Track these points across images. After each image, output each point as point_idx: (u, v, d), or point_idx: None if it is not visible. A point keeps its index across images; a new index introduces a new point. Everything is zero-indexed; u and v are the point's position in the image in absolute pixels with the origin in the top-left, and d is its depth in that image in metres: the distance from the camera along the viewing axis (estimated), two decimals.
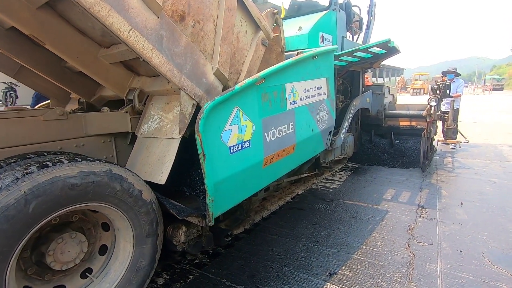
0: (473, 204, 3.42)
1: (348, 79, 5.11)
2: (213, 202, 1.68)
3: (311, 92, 2.67)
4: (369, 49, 3.30)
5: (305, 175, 3.57)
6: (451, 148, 6.21)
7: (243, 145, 1.88)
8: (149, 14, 1.71)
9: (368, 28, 5.02)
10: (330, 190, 4.08)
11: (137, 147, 2.22)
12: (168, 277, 2.31)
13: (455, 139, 5.81)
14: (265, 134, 2.09)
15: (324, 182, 4.41)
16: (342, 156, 4.86)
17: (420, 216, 3.15)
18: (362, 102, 5.12)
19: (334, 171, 4.96)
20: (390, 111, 5.71)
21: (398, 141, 5.43)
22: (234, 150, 1.81)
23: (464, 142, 4.86)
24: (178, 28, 1.92)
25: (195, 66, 2.07)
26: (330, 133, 3.19)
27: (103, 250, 1.79)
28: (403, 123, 5.72)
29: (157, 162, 2.00)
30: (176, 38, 1.90)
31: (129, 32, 1.55)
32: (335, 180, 4.50)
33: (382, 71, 53.60)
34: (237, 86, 1.77)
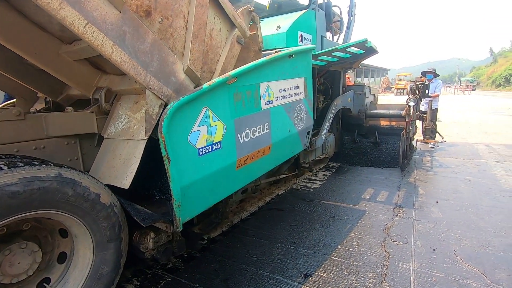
0: (448, 202, 3.49)
1: (329, 79, 5.13)
2: (180, 207, 1.61)
3: (288, 92, 2.63)
4: (347, 49, 3.30)
5: (284, 175, 3.54)
6: (430, 147, 6.35)
7: (213, 146, 1.81)
8: (109, 8, 1.61)
9: (348, 28, 5.05)
10: (311, 190, 4.07)
11: (103, 149, 2.12)
12: (139, 283, 2.22)
13: (434, 138, 5.94)
14: (238, 135, 2.03)
15: (305, 182, 4.40)
16: (323, 156, 4.87)
17: (397, 215, 3.18)
18: (343, 102, 5.14)
19: (315, 170, 4.96)
20: (371, 111, 5.78)
21: (379, 140, 5.49)
22: (203, 152, 1.74)
23: (441, 142, 4.99)
24: (143, 24, 1.83)
25: (163, 64, 1.99)
26: (308, 133, 3.17)
27: (62, 258, 1.69)
28: (383, 122, 5.80)
29: (122, 165, 1.90)
30: (141, 35, 1.82)
31: (84, 27, 1.46)
32: (316, 180, 4.50)
33: (367, 71, 54.59)
34: (206, 85, 1.70)
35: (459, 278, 2.14)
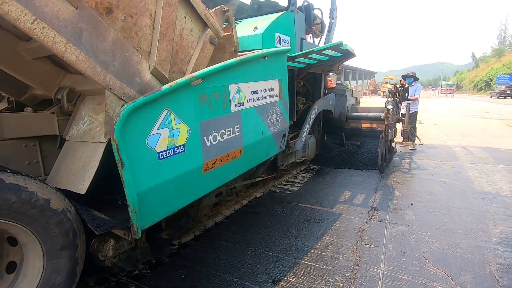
0: (422, 204, 3.54)
1: (310, 81, 5.14)
2: (137, 214, 1.54)
3: (261, 94, 2.60)
4: (323, 51, 3.30)
5: (260, 178, 3.51)
6: (410, 149, 6.46)
7: (175, 150, 1.75)
8: (63, 4, 1.53)
9: (329, 31, 5.08)
10: (289, 192, 4.06)
11: (64, 151, 2.03)
12: None
13: (413, 141, 6.05)
14: (205, 138, 1.98)
15: (284, 185, 4.38)
16: (304, 158, 4.87)
17: (371, 218, 3.20)
18: (324, 104, 5.17)
19: (296, 173, 4.95)
20: (353, 113, 5.83)
21: (359, 142, 5.55)
22: (164, 156, 1.68)
23: (419, 144, 5.07)
24: (104, 21, 1.76)
25: (127, 64, 1.92)
26: (284, 135, 3.15)
27: (12, 267, 1.60)
28: (364, 125, 5.87)
29: (81, 169, 1.82)
30: (100, 33, 1.74)
31: (32, 23, 1.38)
32: (296, 182, 4.49)
33: (354, 74, 55.45)
34: (166, 86, 1.65)
35: (426, 281, 2.16)
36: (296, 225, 3.07)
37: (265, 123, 2.70)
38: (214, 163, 2.12)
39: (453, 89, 41.66)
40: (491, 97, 35.50)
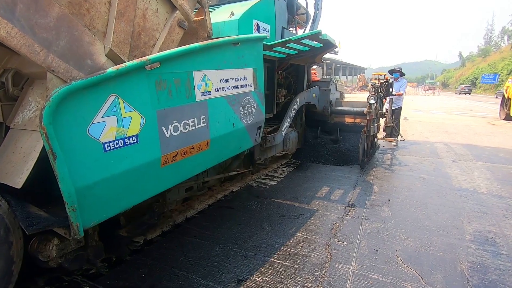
0: (400, 200, 3.49)
1: (293, 73, 5.00)
2: (76, 211, 1.38)
3: (232, 83, 2.44)
4: (302, 41, 3.17)
5: (235, 172, 3.37)
6: (393, 145, 6.45)
7: (126, 141, 1.59)
8: None
9: (314, 21, 4.93)
10: (267, 187, 3.95)
11: (7, 140, 1.83)
12: None
13: (396, 136, 6.03)
14: (163, 128, 1.82)
15: (263, 179, 4.27)
16: (284, 152, 4.77)
17: (347, 214, 3.13)
18: (307, 97, 5.05)
19: (276, 166, 4.85)
20: (336, 108, 5.74)
21: (341, 137, 5.48)
22: (112, 147, 1.52)
23: (400, 140, 5.03)
24: None
25: (75, 44, 1.72)
26: (259, 128, 3.01)
27: None
28: (348, 120, 5.80)
29: (21, 160, 1.64)
30: (41, 7, 1.54)
31: None
32: (275, 177, 4.38)
33: (345, 69, 55.64)
34: (111, 69, 1.47)
35: (396, 280, 2.09)
36: (270, 221, 2.97)
37: (236, 115, 2.55)
38: (175, 156, 1.96)
39: (434, 87, 44.16)
40: (455, 93, 43.54)
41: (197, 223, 2.94)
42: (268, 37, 3.67)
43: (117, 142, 1.55)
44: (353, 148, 5.24)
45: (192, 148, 2.11)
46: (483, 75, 51.81)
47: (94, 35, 1.92)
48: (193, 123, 2.06)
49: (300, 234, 2.72)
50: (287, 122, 4.37)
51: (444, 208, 3.30)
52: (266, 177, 4.34)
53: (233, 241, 2.60)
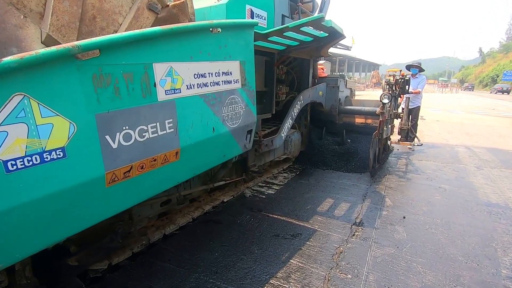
0: (417, 218, 2.97)
1: (297, 68, 4.50)
2: None
3: (211, 79, 1.99)
4: (301, 29, 2.67)
5: (222, 182, 2.93)
6: (409, 148, 5.86)
7: (45, 156, 1.17)
8: None
9: (321, 10, 4.40)
10: (263, 197, 3.49)
11: None
12: None
13: (412, 140, 5.43)
14: (107, 137, 1.39)
15: (260, 186, 3.82)
16: (285, 156, 4.29)
17: (353, 235, 2.64)
18: (313, 95, 4.54)
19: (276, 172, 4.38)
20: (346, 107, 5.20)
21: (349, 140, 4.95)
22: (20, 166, 1.10)
23: (417, 145, 4.41)
24: None
25: None
26: (250, 132, 2.56)
27: None
28: (358, 120, 5.25)
29: None
30: None
31: None
32: (274, 184, 3.92)
33: (358, 66, 54.22)
34: (10, 58, 1.05)
35: None
36: (260, 242, 2.52)
37: (218, 117, 2.10)
38: (129, 171, 1.53)
39: (447, 84, 42.84)
40: (490, 93, 40.47)
41: (175, 242, 2.52)
42: (265, 26, 3.19)
43: (29, 158, 1.13)
44: (363, 151, 4.70)
45: (154, 161, 1.67)
46: (505, 72, 49.46)
47: (25, 16, 1.50)
48: (155, 129, 1.63)
49: (294, 261, 2.26)
50: (288, 123, 3.89)
51: (471, 229, 2.76)
52: (264, 184, 3.89)
53: (213, 268, 2.17)
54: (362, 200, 3.40)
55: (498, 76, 53.97)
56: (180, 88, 1.76)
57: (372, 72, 48.27)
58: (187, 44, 1.78)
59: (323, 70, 5.26)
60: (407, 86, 5.12)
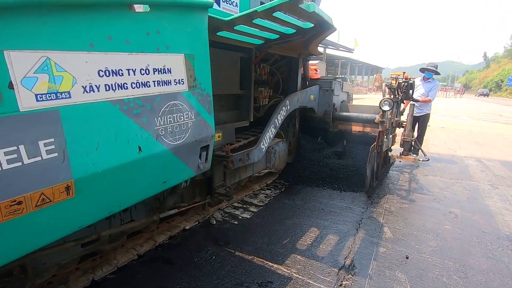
0: (423, 258, 2.34)
1: (284, 68, 3.89)
2: None
3: (133, 78, 1.40)
4: (278, 16, 2.07)
5: (173, 211, 2.31)
6: (413, 163, 5.22)
7: None
8: None
9: (313, 0, 3.79)
10: (236, 223, 2.87)
11: None
12: None
13: (416, 154, 4.78)
14: None
15: (235, 207, 3.20)
16: (268, 170, 3.68)
17: (340, 285, 2.01)
18: (302, 99, 3.93)
19: (258, 188, 3.77)
20: (341, 113, 4.59)
21: (342, 150, 4.33)
22: None
23: (423, 160, 3.75)
24: None
25: None
26: (206, 148, 1.95)
27: None
28: (356, 128, 4.63)
29: None
30: None
31: None
32: (253, 204, 3.30)
33: (361, 69, 53.60)
34: None
35: None
36: None
37: (147, 131, 1.49)
38: None
39: (446, 89, 42.59)
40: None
41: None
42: (232, 12, 2.58)
43: None
44: (360, 165, 4.07)
45: (18, 204, 1.07)
46: (510, 77, 48.75)
47: None
48: (14, 156, 1.02)
49: None
50: (270, 132, 3.28)
51: (492, 276, 2.13)
52: (240, 205, 3.27)
53: None
54: (355, 229, 2.78)
55: (502, 81, 53.20)
56: (69, 91, 1.16)
57: (375, 75, 47.59)
58: (81, 24, 1.17)
59: (316, 71, 4.64)
60: (410, 91, 4.50)
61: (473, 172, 4.76)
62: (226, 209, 3.16)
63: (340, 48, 32.76)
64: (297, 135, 4.28)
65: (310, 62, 4.61)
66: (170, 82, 1.60)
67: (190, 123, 1.76)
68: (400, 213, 3.16)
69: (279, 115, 3.42)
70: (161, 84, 1.54)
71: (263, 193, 3.65)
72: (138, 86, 1.43)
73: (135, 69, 1.40)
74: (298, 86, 3.90)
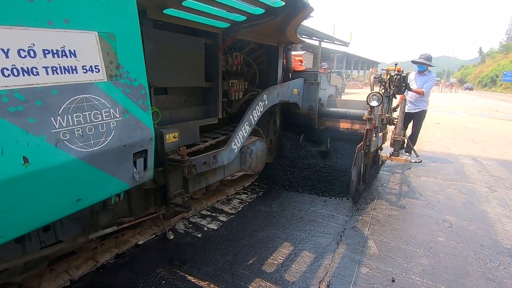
0: (412, 281, 1.99)
1: (263, 58, 3.49)
2: None
3: (6, 61, 1.00)
4: None
5: (109, 230, 1.89)
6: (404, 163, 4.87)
7: None
8: None
9: None
10: (199, 236, 2.49)
11: None
12: None
13: (408, 153, 4.42)
14: None
15: (202, 216, 2.82)
16: (243, 173, 3.30)
17: None
18: (283, 93, 3.54)
19: (233, 192, 3.39)
20: (328, 109, 4.20)
21: (330, 148, 3.97)
22: None
23: (415, 161, 3.39)
24: None
25: None
26: (144, 153, 1.56)
27: None
28: (344, 125, 4.26)
29: None
30: None
31: None
32: (223, 211, 2.93)
33: (357, 63, 53.16)
34: None
35: None
36: None
37: (38, 136, 1.10)
38: None
39: (451, 84, 42.88)
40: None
41: None
42: None
43: None
44: (347, 165, 3.71)
45: None
46: (505, 72, 48.71)
47: None
48: None
49: None
50: (244, 130, 2.90)
51: None
52: (209, 212, 2.89)
53: None
54: (336, 243, 2.42)
55: (497, 77, 53.17)
56: None
57: (371, 69, 47.17)
58: None
59: (301, 62, 4.24)
60: (403, 85, 4.12)
61: (469, 172, 4.43)
62: (192, 218, 2.79)
63: (336, 42, 32.33)
64: (278, 133, 3.89)
65: (295, 52, 4.21)
66: (76, 70, 1.19)
67: (113, 124, 1.36)
68: (388, 222, 2.81)
69: (254, 111, 3.03)
70: (58, 71, 1.14)
71: (238, 198, 3.28)
72: (15, 74, 1.02)
73: (8, 50, 1.00)
74: (279, 79, 3.51)
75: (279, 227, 2.65)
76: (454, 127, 8.76)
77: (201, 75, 2.55)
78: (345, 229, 2.65)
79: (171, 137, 2.12)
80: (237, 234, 2.52)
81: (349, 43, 33.80)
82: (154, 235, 2.44)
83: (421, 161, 3.23)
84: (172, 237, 2.41)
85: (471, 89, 50.56)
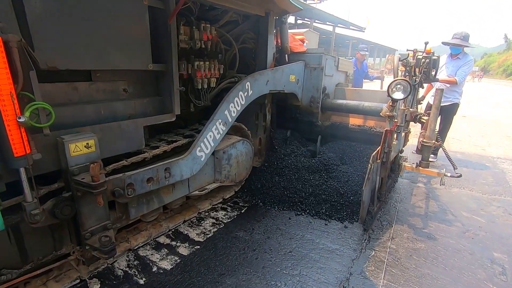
0: None
1: (249, 35, 2.66)
2: None
3: None
4: None
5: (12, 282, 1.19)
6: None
7: None
8: None
9: None
10: (140, 283, 1.77)
11: None
12: None
13: (435, 155, 3.53)
14: None
15: (158, 246, 2.10)
16: (220, 185, 2.56)
17: None
18: (276, 81, 2.72)
19: (209, 207, 2.65)
20: (334, 101, 3.36)
21: (319, 149, 3.15)
22: None
23: (451, 176, 2.49)
24: None
25: None
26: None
27: None
28: (354, 121, 3.42)
29: None
30: None
31: None
32: (188, 239, 2.19)
33: (373, 50, 50.70)
34: None
35: None
36: None
37: None
38: None
39: (480, 74, 40.23)
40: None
41: None
42: None
43: None
44: (356, 175, 2.88)
45: None
46: None
47: None
48: None
49: None
50: (214, 131, 2.13)
51: None
52: (168, 240, 2.16)
53: None
54: None
55: None
56: None
57: (387, 56, 44.80)
58: None
59: (302, 43, 3.37)
60: (433, 71, 3.19)
61: None
62: (142, 248, 2.07)
63: (351, 27, 30.56)
64: (269, 131, 3.08)
65: (296, 30, 3.34)
66: None
67: None
68: (412, 263, 2.01)
69: (232, 104, 2.25)
70: None
71: (213, 217, 2.53)
72: None
73: None
74: (269, 61, 2.68)
75: (257, 269, 1.90)
76: (483, 121, 7.67)
77: (146, 53, 1.77)
78: (350, 274, 1.87)
79: (79, 147, 1.37)
80: (195, 281, 1.79)
81: (365, 28, 31.92)
82: (78, 280, 1.74)
83: (460, 176, 2.37)
84: (120, 272, 1.70)
85: (481, 76, 47.95)
